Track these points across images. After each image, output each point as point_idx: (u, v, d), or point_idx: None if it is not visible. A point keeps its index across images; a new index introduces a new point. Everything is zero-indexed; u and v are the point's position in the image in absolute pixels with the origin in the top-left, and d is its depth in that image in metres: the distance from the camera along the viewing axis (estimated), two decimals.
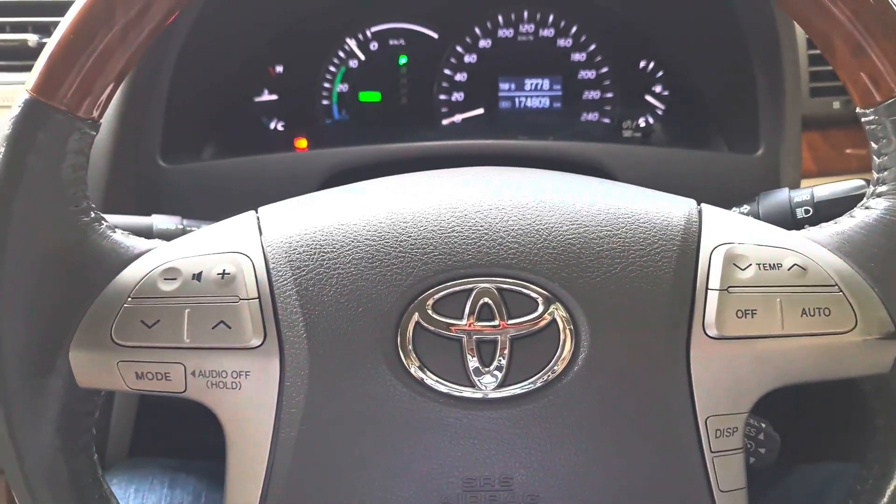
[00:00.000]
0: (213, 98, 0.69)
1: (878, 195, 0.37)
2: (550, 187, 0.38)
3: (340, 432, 0.35)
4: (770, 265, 0.36)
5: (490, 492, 0.35)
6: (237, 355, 0.35)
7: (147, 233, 0.47)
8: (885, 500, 0.37)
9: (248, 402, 0.35)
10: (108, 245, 0.36)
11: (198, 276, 0.35)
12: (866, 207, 0.37)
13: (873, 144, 0.37)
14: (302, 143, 0.74)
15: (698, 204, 0.39)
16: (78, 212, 0.35)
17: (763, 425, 0.47)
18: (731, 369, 0.35)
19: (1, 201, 0.34)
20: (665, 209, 0.37)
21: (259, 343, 0.35)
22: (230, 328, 0.35)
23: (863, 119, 0.37)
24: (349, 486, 0.35)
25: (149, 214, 0.53)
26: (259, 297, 0.35)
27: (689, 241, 0.36)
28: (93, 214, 0.36)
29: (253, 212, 0.39)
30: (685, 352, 0.35)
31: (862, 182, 0.46)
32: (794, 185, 0.63)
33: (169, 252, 0.36)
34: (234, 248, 0.36)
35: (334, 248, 0.36)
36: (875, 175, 0.37)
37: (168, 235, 0.41)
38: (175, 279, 0.35)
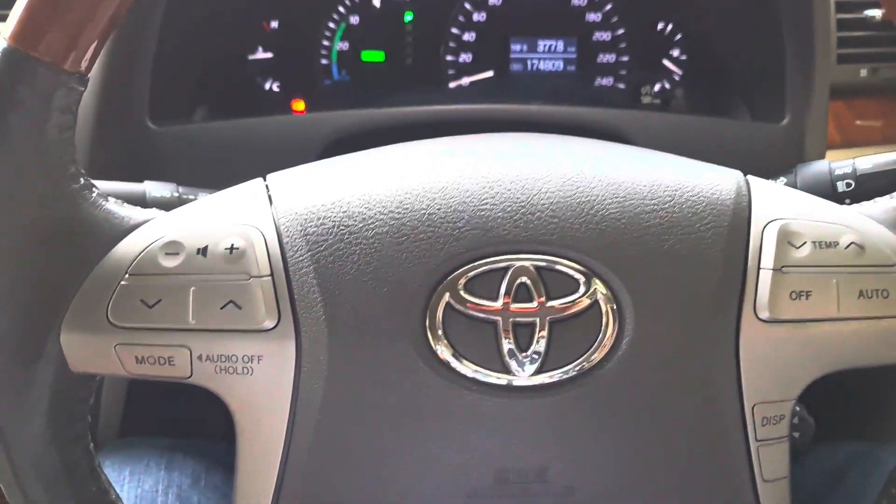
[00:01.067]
0: (204, 55, 0.65)
1: None
2: (591, 157, 0.35)
3: (362, 421, 0.32)
4: (826, 243, 0.33)
5: (524, 484, 0.33)
6: (249, 338, 0.32)
7: (140, 201, 0.44)
8: None
9: (261, 388, 0.32)
10: (100, 215, 0.32)
11: (203, 251, 0.32)
12: None
13: None
14: (299, 105, 0.70)
15: (745, 175, 0.36)
16: (66, 178, 0.31)
17: (797, 409, 0.45)
18: (781, 354, 0.33)
19: None
20: (713, 182, 0.35)
21: (273, 325, 0.32)
22: (240, 308, 0.32)
23: None
24: (371, 479, 0.33)
25: (138, 180, 0.50)
26: (272, 275, 0.32)
27: (740, 216, 0.34)
28: (82, 181, 0.32)
29: (261, 179, 0.35)
30: (734, 336, 0.33)
31: None
32: (820, 156, 0.60)
33: (169, 223, 0.33)
34: (243, 220, 0.33)
35: (355, 220, 0.32)
36: None
37: (163, 204, 0.38)
38: (178, 254, 0.32)
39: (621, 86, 0.70)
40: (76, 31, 0.30)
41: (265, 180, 0.35)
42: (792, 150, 0.60)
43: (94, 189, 0.33)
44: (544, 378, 0.32)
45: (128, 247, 0.32)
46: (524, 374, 0.32)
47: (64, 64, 0.30)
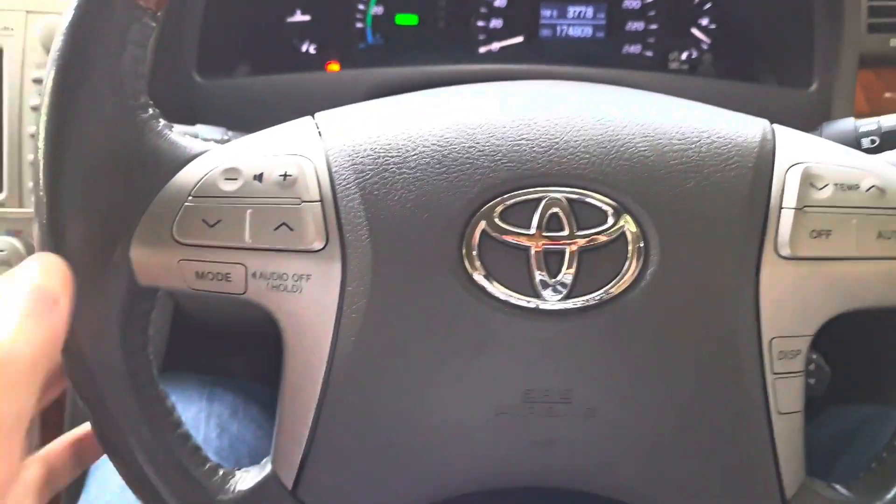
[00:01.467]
0: (247, 15, 0.67)
1: None
2: (622, 101, 0.37)
3: (400, 338, 0.34)
4: (847, 185, 0.35)
5: (549, 403, 0.35)
6: (299, 258, 0.34)
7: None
8: None
9: (309, 305, 0.34)
10: (165, 143, 0.35)
11: (259, 178, 0.34)
12: None
13: None
14: (334, 66, 0.72)
15: (771, 124, 0.37)
16: (137, 107, 0.34)
17: (814, 356, 0.47)
18: (800, 291, 0.35)
19: (63, 93, 0.32)
20: (740, 126, 0.36)
21: (321, 246, 0.34)
22: (292, 230, 0.34)
23: None
24: (407, 393, 0.35)
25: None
26: (321, 201, 0.34)
27: (765, 158, 0.35)
28: (151, 111, 0.34)
29: (310, 117, 0.37)
30: (755, 271, 0.34)
31: None
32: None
33: (227, 153, 0.35)
34: (295, 150, 0.35)
35: (399, 152, 0.35)
36: None
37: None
38: (236, 179, 0.34)
39: (649, 53, 0.71)
40: None
41: (314, 118, 0.37)
42: (819, 116, 0.60)
43: (160, 119, 0.35)
44: (571, 304, 0.34)
45: (191, 172, 0.35)
46: (553, 299, 0.34)
47: (140, 0, 0.33)
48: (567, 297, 0.34)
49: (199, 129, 0.47)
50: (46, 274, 0.31)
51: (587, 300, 0.34)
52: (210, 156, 0.35)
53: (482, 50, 0.72)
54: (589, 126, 0.35)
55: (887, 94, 0.67)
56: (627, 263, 0.34)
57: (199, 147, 0.36)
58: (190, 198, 0.34)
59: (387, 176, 0.34)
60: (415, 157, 0.34)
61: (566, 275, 0.34)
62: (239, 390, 0.57)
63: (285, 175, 0.34)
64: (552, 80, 0.40)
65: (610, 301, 0.34)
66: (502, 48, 0.72)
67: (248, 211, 0.34)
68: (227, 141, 0.48)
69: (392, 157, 0.34)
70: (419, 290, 0.34)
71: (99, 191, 0.33)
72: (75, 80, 0.32)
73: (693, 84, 0.66)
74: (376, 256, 0.34)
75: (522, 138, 0.35)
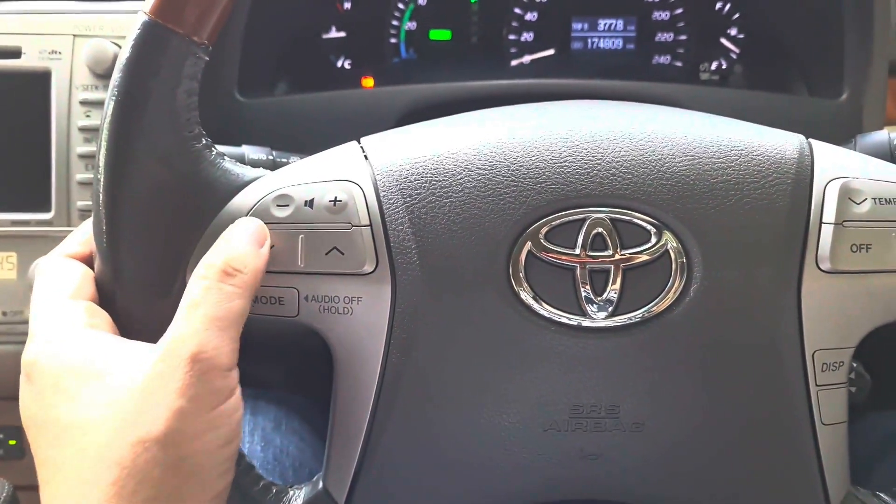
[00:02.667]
0: (285, 34, 0.69)
1: None
2: (661, 119, 0.38)
3: (450, 358, 0.35)
4: (886, 200, 0.35)
5: (596, 419, 0.36)
6: (350, 281, 0.35)
7: (240, 162, 0.48)
8: None
9: (360, 327, 0.36)
10: (219, 172, 0.36)
11: (310, 203, 0.36)
12: None
13: None
14: (369, 82, 0.74)
15: (807, 139, 0.38)
16: (191, 138, 0.35)
17: (855, 364, 0.47)
18: (841, 304, 0.35)
19: (123, 126, 0.34)
20: (777, 143, 0.37)
21: (372, 269, 0.35)
22: (343, 254, 0.35)
23: None
24: (455, 411, 0.36)
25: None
26: (371, 225, 0.35)
27: (803, 174, 0.36)
28: (204, 141, 0.36)
29: (355, 142, 0.39)
30: (797, 285, 0.35)
31: None
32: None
33: (278, 179, 0.37)
34: (344, 176, 0.37)
35: (445, 176, 0.36)
36: None
37: (260, 165, 0.42)
38: (288, 205, 0.36)
39: (679, 64, 0.72)
40: (206, 6, 0.34)
41: (360, 143, 0.39)
42: (850, 125, 0.61)
43: (213, 148, 0.37)
44: (617, 321, 0.35)
45: (244, 199, 0.36)
46: (599, 317, 0.35)
47: (194, 36, 0.34)
48: (612, 315, 0.35)
49: (246, 150, 0.49)
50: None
51: (632, 317, 0.35)
52: (262, 182, 0.37)
53: (514, 63, 0.74)
54: (629, 146, 0.36)
55: None
56: (671, 280, 0.35)
57: (250, 174, 0.37)
58: None
59: (434, 200, 0.35)
60: (461, 180, 0.36)
61: (611, 292, 0.35)
62: (280, 403, 0.59)
63: (335, 200, 0.36)
64: (591, 101, 0.41)
65: (654, 318, 0.35)
66: (534, 61, 0.73)
67: (301, 236, 0.35)
68: (273, 161, 0.50)
69: (438, 181, 0.36)
70: (468, 311, 0.35)
71: (156, 221, 0.35)
72: (133, 114, 0.34)
73: (724, 95, 0.67)
74: (425, 278, 0.35)
75: (565, 160, 0.36)
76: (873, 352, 0.42)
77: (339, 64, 0.73)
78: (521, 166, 0.36)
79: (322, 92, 0.66)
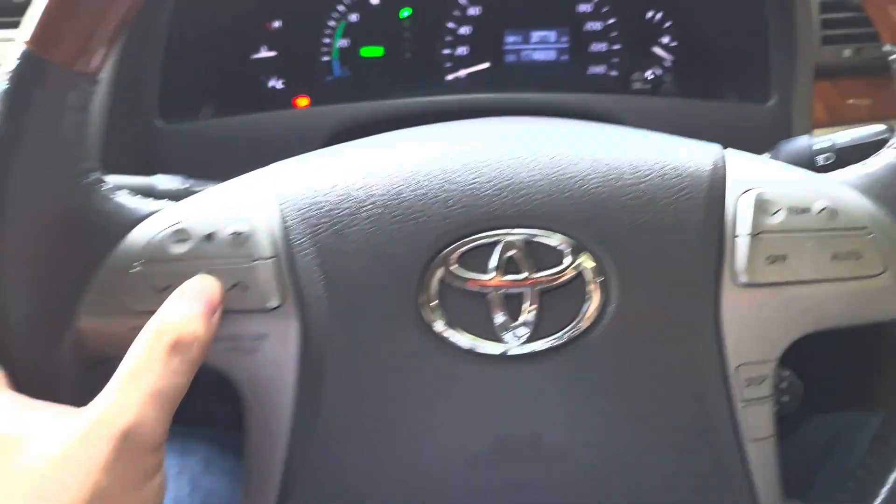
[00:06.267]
0: (210, 55, 0.67)
1: None
2: (573, 136, 0.37)
3: (364, 394, 0.34)
4: (800, 209, 0.35)
5: (519, 448, 0.35)
6: (255, 318, 0.34)
7: (150, 193, 0.46)
8: None
9: (268, 365, 0.34)
10: (111, 207, 0.34)
11: (209, 237, 0.34)
12: (893, 147, 0.36)
13: None
14: (303, 101, 0.72)
15: (723, 149, 0.38)
16: (78, 173, 0.33)
17: (786, 373, 0.47)
18: (761, 316, 0.35)
19: (1, 162, 0.32)
20: (691, 155, 0.37)
21: (277, 304, 0.34)
22: (246, 290, 0.34)
23: (890, 58, 0.36)
24: (374, 448, 0.35)
25: (148, 176, 0.52)
26: (276, 257, 0.34)
27: (717, 186, 0.35)
28: (94, 175, 0.34)
29: (265, 169, 0.38)
30: (715, 300, 0.34)
31: (884, 126, 0.45)
32: (805, 134, 0.62)
33: (177, 213, 0.35)
34: (247, 206, 0.35)
35: (352, 203, 0.35)
36: None
37: (173, 196, 0.40)
38: (185, 241, 0.34)
39: (614, 73, 0.72)
40: (87, 35, 0.32)
41: (269, 170, 0.37)
42: (779, 129, 0.61)
43: (104, 183, 0.35)
44: (534, 346, 0.34)
45: (138, 236, 0.34)
46: (516, 343, 0.34)
47: (75, 66, 0.32)
48: (529, 340, 0.34)
49: (157, 179, 0.47)
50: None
51: (549, 342, 0.34)
52: (159, 217, 0.35)
53: (449, 77, 0.73)
54: (541, 165, 0.35)
55: (850, 101, 0.68)
56: (587, 302, 0.34)
57: (147, 207, 0.35)
58: (138, 263, 0.34)
59: (340, 228, 0.34)
60: (367, 207, 0.34)
61: (527, 318, 0.34)
62: (212, 441, 0.56)
63: (237, 233, 0.34)
64: (503, 118, 0.40)
65: (573, 340, 0.34)
66: (470, 75, 0.73)
67: (199, 273, 0.34)
68: (186, 190, 0.48)
69: (345, 208, 0.34)
70: (380, 344, 0.34)
71: (42, 262, 0.33)
72: (11, 150, 0.32)
73: (657, 104, 0.67)
74: (334, 312, 0.34)
75: (475, 181, 0.35)
76: (807, 355, 0.42)
77: (271, 84, 0.72)
78: (429, 190, 0.35)
79: (252, 114, 0.65)
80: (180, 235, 0.34)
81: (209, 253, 0.34)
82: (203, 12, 0.64)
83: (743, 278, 0.34)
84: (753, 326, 0.35)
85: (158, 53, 0.60)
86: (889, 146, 0.37)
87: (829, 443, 0.55)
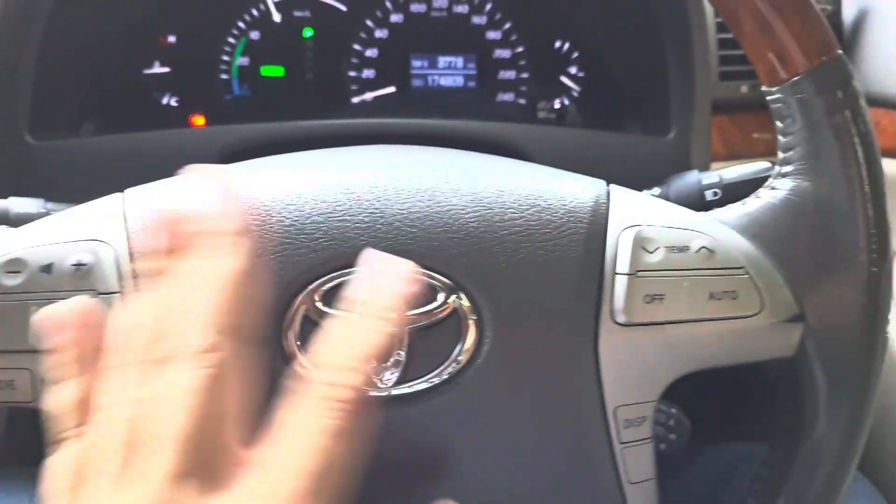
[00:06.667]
0: (95, 68, 0.63)
1: (784, 175, 0.36)
2: (452, 167, 0.36)
3: None
4: (678, 248, 0.35)
5: (387, 497, 0.33)
6: None
7: (2, 218, 0.42)
8: (790, 484, 0.37)
9: None
10: None
11: (47, 269, 0.31)
12: (772, 188, 0.36)
13: (778, 124, 0.36)
14: (199, 120, 0.69)
15: (607, 185, 0.37)
16: None
17: (673, 411, 0.47)
18: (639, 356, 0.34)
19: None
20: (573, 190, 0.36)
21: None
22: None
23: (768, 98, 0.36)
24: None
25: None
26: (121, 292, 0.31)
27: (598, 223, 0.35)
28: None
29: (119, 194, 0.34)
30: (593, 340, 0.33)
31: (768, 164, 0.46)
32: (705, 168, 0.63)
33: (13, 241, 0.32)
34: (93, 235, 0.32)
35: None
36: (780, 155, 0.37)
37: (28, 221, 0.36)
38: (19, 272, 0.31)
39: (522, 101, 0.72)
40: None
41: (123, 195, 0.34)
42: (679, 162, 0.62)
43: None
44: (407, 388, 0.32)
45: None
46: (387, 385, 0.32)
47: None
48: (401, 382, 0.32)
49: (11, 202, 0.43)
50: None
51: (421, 383, 0.32)
52: None
53: (356, 100, 0.71)
54: (416, 198, 0.33)
55: (756, 135, 0.70)
56: (462, 342, 0.32)
57: None
58: None
59: None
60: None
61: (398, 358, 0.32)
62: None
63: (78, 264, 0.31)
64: (386, 146, 0.39)
65: (446, 382, 0.32)
66: (377, 98, 0.71)
67: (33, 308, 0.30)
68: (45, 214, 0.44)
69: None
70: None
71: None
72: None
73: (562, 134, 0.67)
74: None
75: (344, 214, 0.33)
76: (693, 391, 0.42)
77: (165, 101, 0.68)
78: (295, 221, 0.32)
79: (141, 132, 0.61)
80: (13, 266, 0.31)
81: (45, 286, 0.31)
82: (86, 22, 0.60)
83: (621, 317, 0.33)
84: (632, 367, 0.34)
85: (30, 66, 0.55)
86: (767, 185, 0.37)
87: (722, 475, 0.55)
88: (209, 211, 0.27)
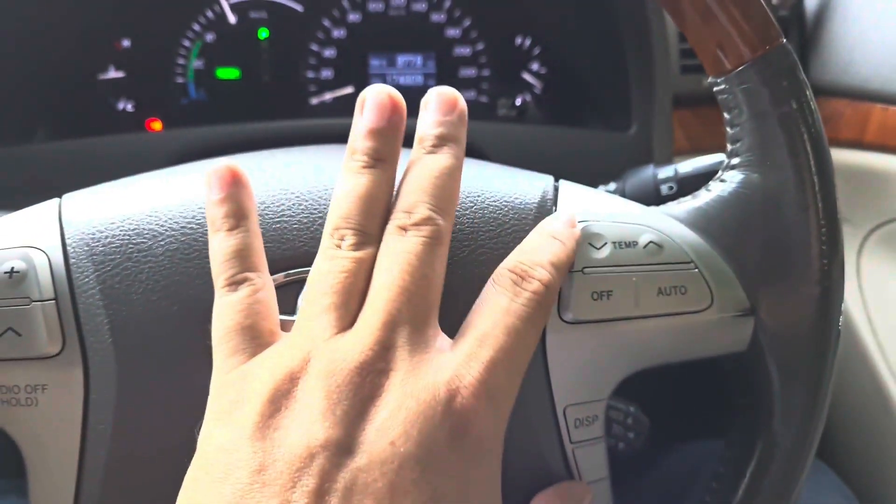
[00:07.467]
0: (47, 74, 0.61)
1: (732, 167, 0.36)
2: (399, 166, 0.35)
3: (155, 447, 0.31)
4: (626, 243, 0.34)
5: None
6: (31, 366, 0.30)
7: None
8: (747, 480, 0.36)
9: (48, 419, 0.30)
10: None
11: None
12: (721, 181, 0.36)
13: (726, 115, 0.36)
14: (156, 125, 0.68)
15: (556, 181, 0.37)
16: None
17: (631, 409, 0.46)
18: (588, 354, 0.33)
19: None
20: (519, 187, 0.35)
21: (57, 351, 0.30)
22: (20, 335, 0.30)
23: (714, 89, 0.35)
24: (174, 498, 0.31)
25: None
26: (56, 299, 0.30)
27: (543, 219, 0.34)
28: None
29: (56, 199, 0.34)
30: (541, 339, 0.33)
31: (724, 157, 0.46)
32: (667, 162, 0.62)
33: None
34: (27, 241, 0.31)
35: (145, 238, 0.31)
36: (728, 147, 0.36)
37: None
38: None
39: (483, 99, 0.71)
40: None
41: (60, 199, 0.33)
42: (641, 157, 0.62)
43: None
44: None
45: None
46: None
47: None
48: None
49: None
50: None
51: None
52: None
53: (314, 101, 0.70)
54: None
55: (704, 130, 0.69)
56: None
57: None
58: None
59: (130, 266, 0.31)
60: (163, 242, 0.31)
61: None
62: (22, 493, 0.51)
63: (11, 271, 0.30)
64: (327, 146, 0.38)
65: None
66: (336, 99, 0.70)
67: None
68: None
69: (136, 243, 0.31)
70: (171, 394, 0.30)
71: None
72: None
73: (520, 131, 0.66)
74: (121, 359, 0.30)
75: (284, 214, 0.32)
76: (653, 389, 0.41)
77: (121, 106, 0.67)
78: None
79: (96, 137, 0.60)
80: None
81: None
82: (38, 26, 0.58)
83: (569, 316, 0.33)
84: (581, 365, 0.33)
85: None
86: (716, 178, 0.37)
87: (687, 474, 0.54)
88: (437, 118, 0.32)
